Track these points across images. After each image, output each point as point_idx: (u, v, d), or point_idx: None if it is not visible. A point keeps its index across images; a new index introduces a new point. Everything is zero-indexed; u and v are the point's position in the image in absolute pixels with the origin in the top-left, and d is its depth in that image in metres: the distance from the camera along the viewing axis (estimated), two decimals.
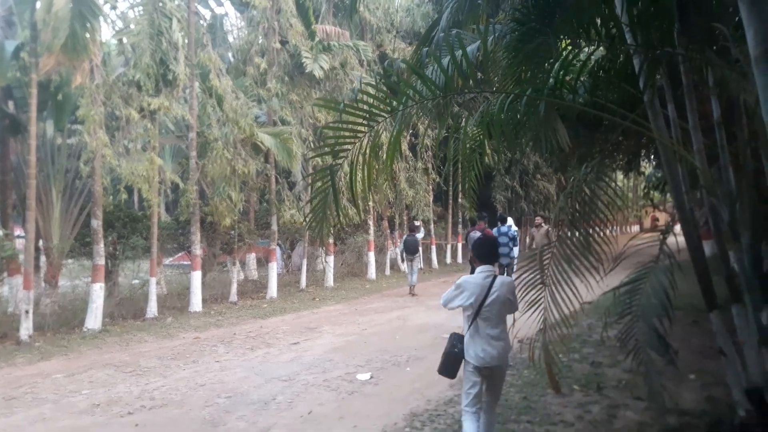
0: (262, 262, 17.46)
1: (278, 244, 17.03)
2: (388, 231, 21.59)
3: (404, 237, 16.62)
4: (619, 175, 16.31)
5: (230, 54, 19.73)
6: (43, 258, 12.73)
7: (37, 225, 11.22)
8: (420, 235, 16.33)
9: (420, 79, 4.60)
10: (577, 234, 4.63)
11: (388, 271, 20.29)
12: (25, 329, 9.83)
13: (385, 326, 10.85)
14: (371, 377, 7.26)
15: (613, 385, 6.54)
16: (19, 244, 12.46)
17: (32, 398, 6.89)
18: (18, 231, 14.10)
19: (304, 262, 16.86)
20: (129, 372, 7.91)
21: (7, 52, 11.87)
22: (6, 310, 11.48)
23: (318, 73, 15.62)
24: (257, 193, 16.50)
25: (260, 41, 15.94)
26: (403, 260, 18.99)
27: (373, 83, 6.34)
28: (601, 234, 4.58)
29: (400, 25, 21.19)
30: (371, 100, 4.66)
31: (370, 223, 19.23)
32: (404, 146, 19.10)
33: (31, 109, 10.33)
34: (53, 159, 12.81)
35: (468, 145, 5.69)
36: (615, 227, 6.50)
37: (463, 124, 5.67)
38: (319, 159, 15.73)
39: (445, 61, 4.76)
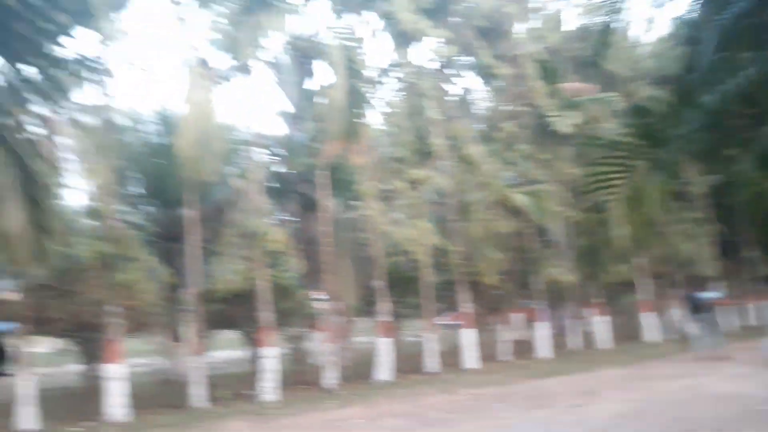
0: (529, 324, 17.48)
1: (543, 304, 16.84)
2: (667, 290, 19.70)
3: (690, 295, 14.97)
4: None
5: (478, 123, 20.84)
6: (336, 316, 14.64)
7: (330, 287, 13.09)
8: (713, 294, 14.61)
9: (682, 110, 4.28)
10: None
11: (670, 334, 18.37)
12: (331, 378, 11.35)
13: (677, 394, 9.70)
14: None
15: None
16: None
17: None
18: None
19: (573, 322, 16.35)
20: (418, 422, 8.52)
21: (301, 144, 14.50)
22: (313, 363, 13.38)
23: (566, 130, 15.62)
24: (517, 252, 16.77)
25: (506, 108, 16.63)
26: (690, 322, 17.05)
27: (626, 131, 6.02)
28: None
29: (649, 71, 20.03)
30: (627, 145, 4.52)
31: (643, 281, 17.88)
32: (673, 194, 17.60)
33: (322, 189, 12.36)
34: (340, 230, 14.92)
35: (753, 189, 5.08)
36: None
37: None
38: (579, 214, 15.58)
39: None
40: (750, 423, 5.37)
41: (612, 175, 4.50)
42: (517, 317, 18.00)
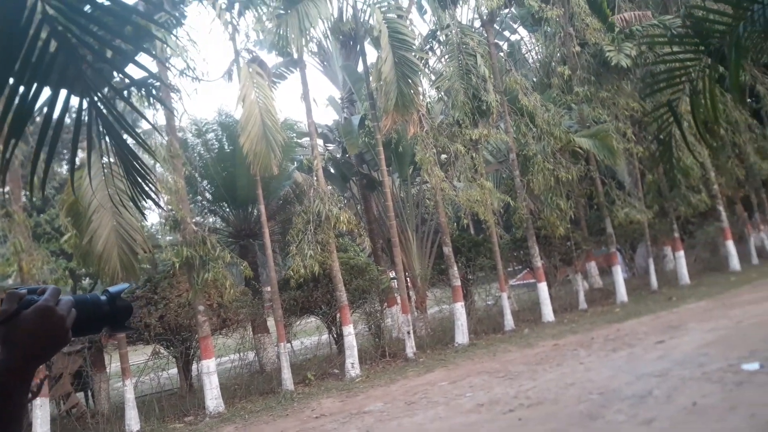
0: (605, 271, 17.17)
1: (617, 248, 16.48)
2: (746, 215, 18.82)
3: None
4: None
5: (532, 74, 20.32)
6: (409, 288, 14.89)
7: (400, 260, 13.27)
8: None
9: None
10: None
11: (755, 260, 17.59)
12: (410, 348, 11.64)
13: (765, 317, 9.52)
14: (761, 367, 6.52)
15: None
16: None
17: (427, 402, 8.15)
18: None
19: (650, 262, 15.91)
20: (501, 377, 8.69)
21: (355, 125, 14.66)
22: (391, 335, 13.72)
23: (625, 62, 14.96)
24: (584, 199, 16.40)
25: (558, 52, 16.11)
26: None
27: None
28: None
29: None
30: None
31: (720, 208, 17.11)
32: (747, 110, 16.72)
33: (381, 166, 12.50)
34: (403, 205, 15.06)
35: None
36: None
37: None
38: (641, 149, 15.07)
39: None
40: None
41: (678, 72, 4.20)
42: (591, 266, 17.71)
